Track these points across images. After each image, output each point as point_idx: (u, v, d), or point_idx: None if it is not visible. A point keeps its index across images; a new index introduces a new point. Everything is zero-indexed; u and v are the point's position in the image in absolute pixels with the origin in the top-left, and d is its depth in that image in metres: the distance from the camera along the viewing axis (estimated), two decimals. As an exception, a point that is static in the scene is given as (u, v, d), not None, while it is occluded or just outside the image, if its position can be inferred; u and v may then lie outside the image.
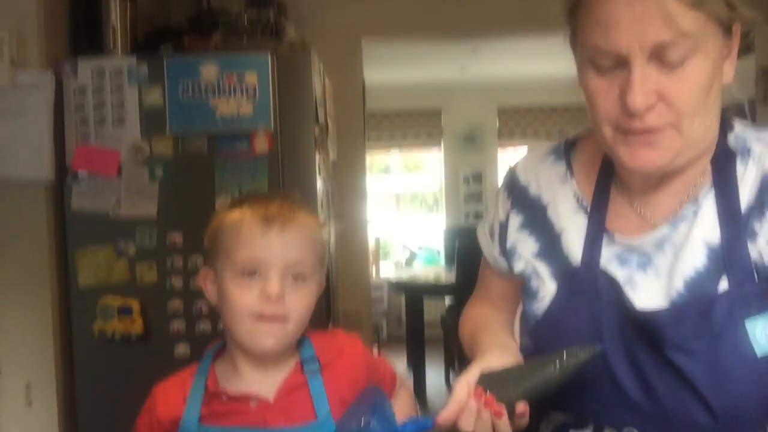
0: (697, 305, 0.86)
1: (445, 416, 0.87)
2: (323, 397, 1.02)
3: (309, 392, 1.03)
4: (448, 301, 5.42)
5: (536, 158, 1.07)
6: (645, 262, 0.93)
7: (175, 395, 1.05)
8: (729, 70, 0.88)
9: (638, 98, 0.82)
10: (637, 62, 0.82)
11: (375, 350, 4.51)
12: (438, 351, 5.29)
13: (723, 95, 0.91)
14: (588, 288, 0.93)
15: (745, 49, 4.11)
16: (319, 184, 2.29)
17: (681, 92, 0.83)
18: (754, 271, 0.86)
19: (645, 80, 0.82)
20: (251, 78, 2.15)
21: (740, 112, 0.92)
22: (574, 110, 6.61)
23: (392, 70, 5.70)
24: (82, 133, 2.14)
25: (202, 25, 2.49)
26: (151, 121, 2.15)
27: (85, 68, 2.14)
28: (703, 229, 0.89)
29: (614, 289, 0.92)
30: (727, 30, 0.86)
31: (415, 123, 6.82)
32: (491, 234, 1.10)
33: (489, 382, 0.89)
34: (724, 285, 0.86)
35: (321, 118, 2.37)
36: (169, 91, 2.14)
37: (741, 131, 0.94)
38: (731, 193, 0.89)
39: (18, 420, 2.11)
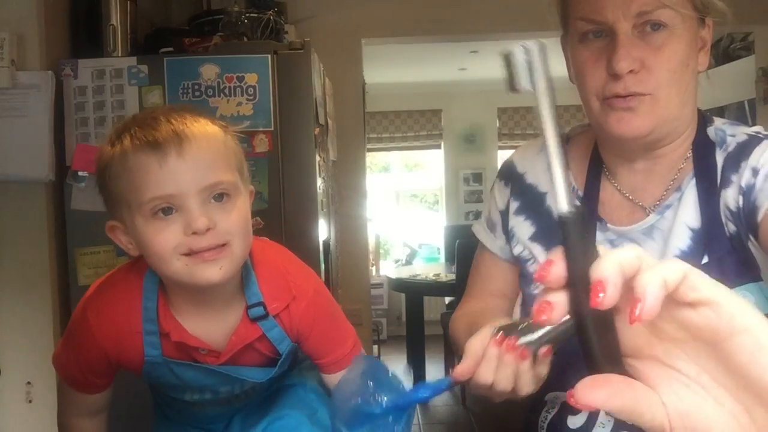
0: None
1: (461, 369, 0.82)
2: (286, 340, 0.97)
3: (269, 340, 0.96)
4: (448, 299, 5.42)
5: (532, 152, 1.13)
6: None
7: (123, 329, 0.94)
8: (704, 60, 0.97)
9: (622, 60, 0.89)
10: (622, 30, 0.90)
11: (375, 349, 4.51)
12: (438, 349, 5.29)
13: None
14: None
15: (745, 49, 4.12)
16: (319, 183, 2.29)
17: (660, 60, 0.91)
18: (730, 244, 0.91)
19: (628, 45, 0.90)
20: (251, 78, 2.15)
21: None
22: (573, 110, 6.62)
23: (392, 70, 5.70)
24: (82, 133, 2.15)
25: (202, 26, 2.49)
26: (151, 121, 2.15)
27: (85, 69, 2.15)
28: (686, 214, 0.96)
29: None
30: (701, 21, 0.94)
31: (415, 123, 6.82)
32: (491, 227, 1.15)
33: (507, 330, 0.81)
34: (705, 261, 0.92)
35: (321, 118, 2.38)
36: (169, 92, 2.15)
37: (719, 125, 1.01)
38: (710, 179, 0.95)
39: (18, 418, 2.11)
